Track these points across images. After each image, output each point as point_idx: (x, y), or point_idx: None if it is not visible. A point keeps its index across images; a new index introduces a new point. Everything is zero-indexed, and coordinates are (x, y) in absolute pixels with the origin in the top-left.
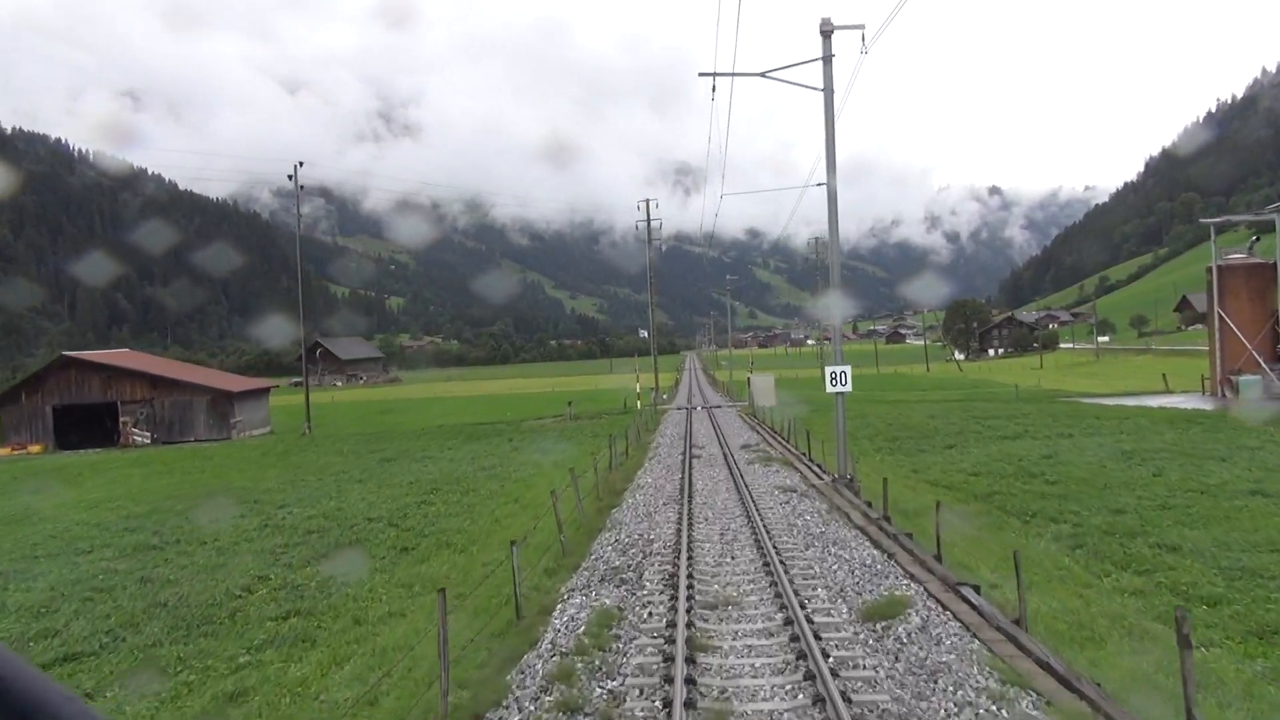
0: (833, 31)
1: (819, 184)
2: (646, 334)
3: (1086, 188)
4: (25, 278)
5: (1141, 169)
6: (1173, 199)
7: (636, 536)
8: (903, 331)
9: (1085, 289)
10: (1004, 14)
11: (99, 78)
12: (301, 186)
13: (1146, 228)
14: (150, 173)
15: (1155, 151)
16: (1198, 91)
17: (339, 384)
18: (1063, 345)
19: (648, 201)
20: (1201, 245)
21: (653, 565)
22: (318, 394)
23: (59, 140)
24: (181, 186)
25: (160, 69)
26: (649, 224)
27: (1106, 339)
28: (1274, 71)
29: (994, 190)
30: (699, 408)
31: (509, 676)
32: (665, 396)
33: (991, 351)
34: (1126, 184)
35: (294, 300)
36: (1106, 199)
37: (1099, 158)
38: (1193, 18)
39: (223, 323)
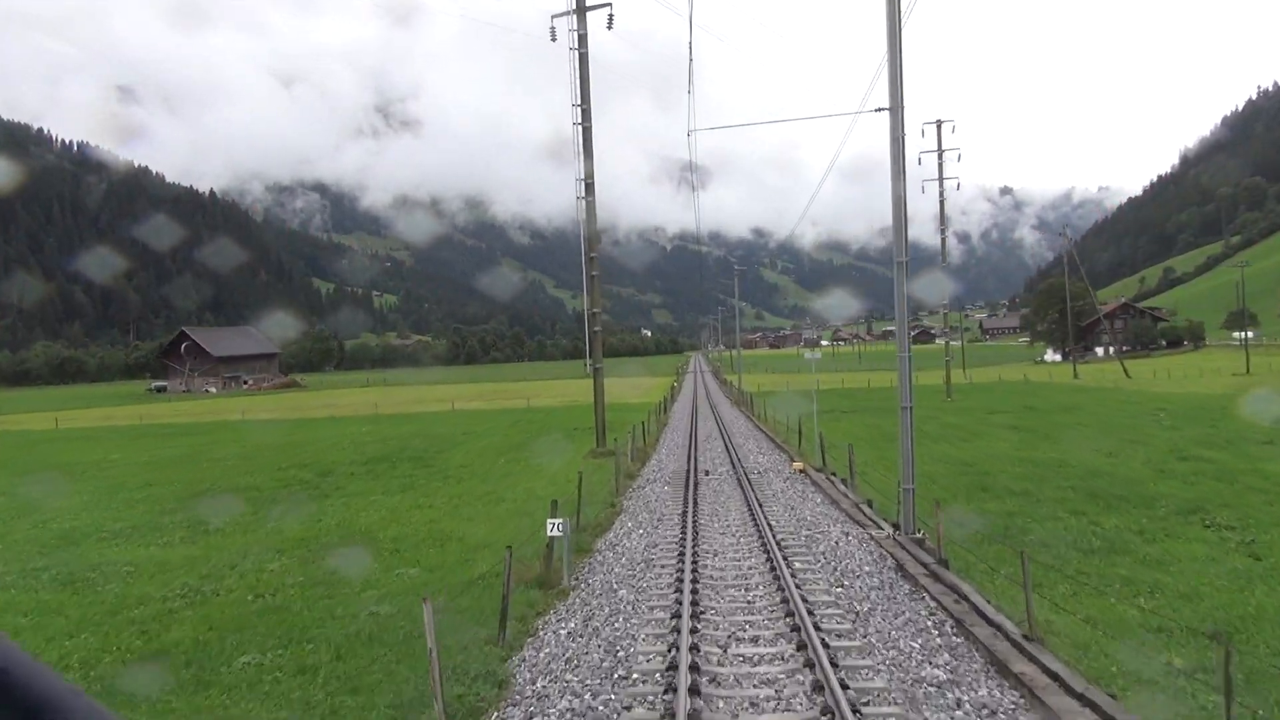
0: None
1: None
2: (650, 332)
3: (1100, 188)
4: None
5: (1176, 162)
6: (1236, 185)
7: None
8: (932, 331)
9: (1146, 282)
10: (1015, 12)
11: (93, 72)
12: None
13: (1204, 217)
14: (123, 159)
15: (1185, 145)
16: (1207, 92)
17: (211, 389)
18: (1211, 342)
19: None
20: None
21: None
22: (156, 405)
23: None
24: (169, 179)
25: (153, 63)
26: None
27: (1252, 334)
28: None
29: (1005, 190)
30: None
31: None
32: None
33: (1100, 350)
34: (1160, 177)
35: (272, 298)
36: (1123, 199)
37: (1112, 158)
38: (1204, 18)
39: (191, 319)
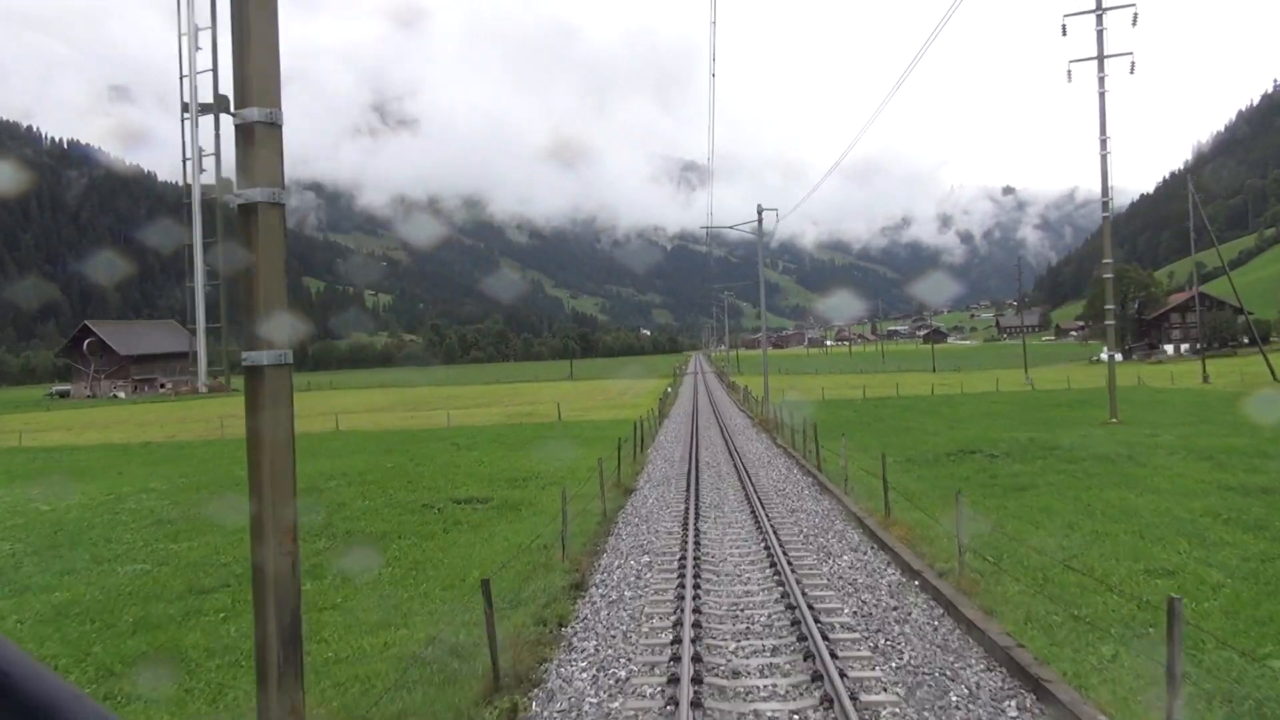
0: None
1: None
2: (649, 332)
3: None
4: None
5: (1190, 157)
6: (1263, 177)
7: None
8: (944, 330)
9: (1176, 276)
10: (1018, 13)
11: (89, 72)
12: None
13: (1230, 210)
14: (114, 157)
15: (1199, 140)
16: (1208, 92)
17: (120, 394)
18: None
19: None
20: None
21: None
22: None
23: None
24: (161, 178)
25: (149, 62)
26: None
27: None
28: None
29: (1008, 190)
30: None
31: None
32: None
33: (1170, 347)
34: (1173, 173)
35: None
36: (1127, 198)
37: (1115, 158)
38: (1205, 18)
39: (176, 319)
